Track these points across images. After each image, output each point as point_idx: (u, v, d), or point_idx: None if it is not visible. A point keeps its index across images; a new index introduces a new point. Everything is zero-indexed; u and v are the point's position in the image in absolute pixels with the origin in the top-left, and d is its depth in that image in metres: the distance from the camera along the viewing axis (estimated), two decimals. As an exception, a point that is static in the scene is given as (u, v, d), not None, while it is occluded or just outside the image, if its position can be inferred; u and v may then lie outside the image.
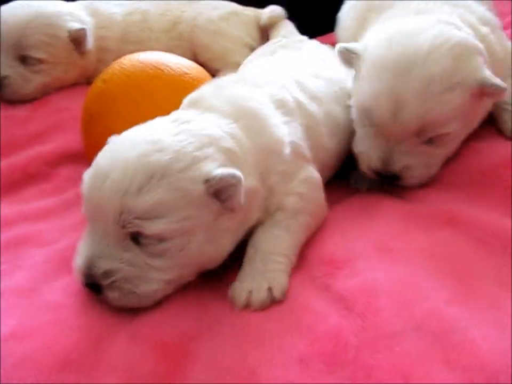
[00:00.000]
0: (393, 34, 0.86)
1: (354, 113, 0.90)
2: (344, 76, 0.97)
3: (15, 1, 1.20)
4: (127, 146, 0.68)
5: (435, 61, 0.81)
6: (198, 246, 0.67)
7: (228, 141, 0.71)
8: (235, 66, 1.16)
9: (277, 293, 0.68)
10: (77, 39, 1.18)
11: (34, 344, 0.62)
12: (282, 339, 0.63)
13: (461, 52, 0.83)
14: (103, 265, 0.65)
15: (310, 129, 0.84)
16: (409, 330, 0.61)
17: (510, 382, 0.56)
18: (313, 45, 1.14)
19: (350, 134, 0.91)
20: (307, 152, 0.82)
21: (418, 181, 0.85)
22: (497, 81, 0.83)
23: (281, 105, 0.81)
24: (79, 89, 1.20)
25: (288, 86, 0.86)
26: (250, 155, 0.73)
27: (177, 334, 0.64)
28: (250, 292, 0.69)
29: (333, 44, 1.04)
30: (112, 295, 0.66)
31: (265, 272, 0.70)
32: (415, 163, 0.84)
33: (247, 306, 0.68)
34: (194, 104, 0.78)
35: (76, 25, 1.18)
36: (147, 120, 0.74)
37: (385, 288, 0.67)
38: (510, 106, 0.92)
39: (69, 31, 1.18)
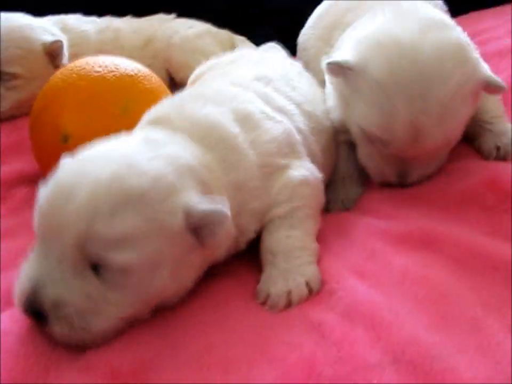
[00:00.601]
0: (390, 47, 0.80)
1: (356, 133, 0.86)
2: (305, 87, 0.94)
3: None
4: (98, 165, 0.62)
5: (449, 76, 0.77)
6: (162, 282, 0.61)
7: (204, 173, 0.67)
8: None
9: (314, 285, 0.68)
10: (52, 52, 1.14)
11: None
12: (251, 368, 0.58)
13: (464, 55, 0.81)
14: (52, 294, 0.58)
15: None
16: (386, 362, 0.57)
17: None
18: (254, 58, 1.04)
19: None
20: (286, 159, 0.78)
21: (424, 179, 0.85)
22: (498, 79, 0.81)
23: (247, 120, 0.76)
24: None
25: (253, 99, 0.81)
26: (224, 191, 0.68)
27: (133, 362, 0.58)
28: (289, 292, 0.67)
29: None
30: (60, 330, 0.58)
31: (294, 269, 0.69)
32: (430, 171, 0.84)
33: (288, 306, 0.66)
34: (159, 123, 0.73)
35: (50, 38, 1.14)
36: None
37: (361, 316, 0.63)
38: (491, 126, 0.89)
39: (44, 44, 1.13)
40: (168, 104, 0.78)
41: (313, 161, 0.82)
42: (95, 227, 0.57)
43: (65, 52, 1.16)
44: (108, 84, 0.89)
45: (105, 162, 0.62)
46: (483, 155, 0.89)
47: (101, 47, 1.22)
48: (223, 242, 0.67)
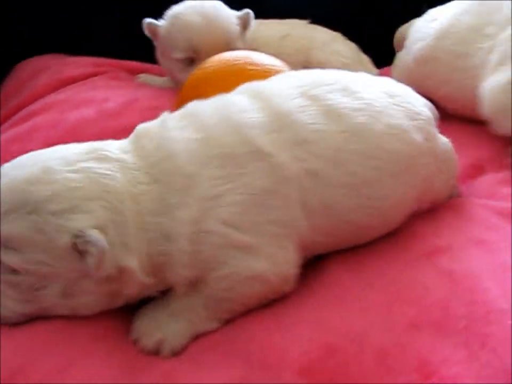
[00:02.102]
0: None
1: None
2: None
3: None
4: (26, 164, 0.62)
5: None
6: (53, 296, 0.60)
7: (126, 205, 0.60)
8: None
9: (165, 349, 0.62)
10: (244, 22, 1.30)
11: None
12: (390, 307, 0.62)
13: None
14: None
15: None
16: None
17: None
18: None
19: None
20: (246, 236, 0.62)
21: None
22: None
23: (223, 163, 0.64)
24: (167, 90, 1.26)
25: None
26: (144, 236, 0.61)
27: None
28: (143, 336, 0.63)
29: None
30: None
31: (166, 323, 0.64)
32: None
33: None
34: (135, 138, 0.68)
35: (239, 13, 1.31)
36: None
37: (489, 274, 0.67)
38: None
39: (238, 16, 1.29)
40: (158, 120, 0.71)
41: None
42: None
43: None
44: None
45: (33, 161, 0.62)
46: None
47: (248, 39, 1.33)
48: (128, 283, 0.61)
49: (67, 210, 0.58)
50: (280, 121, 0.66)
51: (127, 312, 0.66)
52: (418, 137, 0.72)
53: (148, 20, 1.28)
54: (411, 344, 0.58)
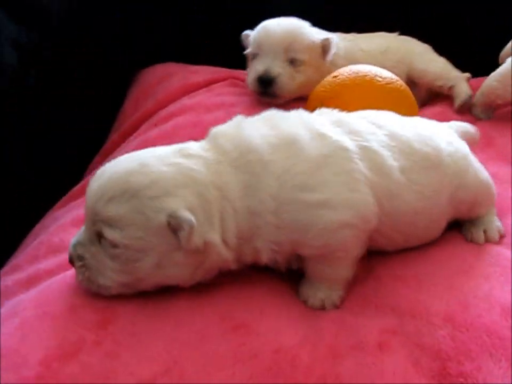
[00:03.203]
0: None
1: None
2: None
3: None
4: (124, 161, 0.75)
5: None
6: (147, 267, 0.72)
7: (210, 192, 0.73)
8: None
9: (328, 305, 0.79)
10: (325, 47, 1.44)
11: None
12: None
13: None
14: (78, 250, 0.75)
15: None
16: None
17: None
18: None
19: None
20: (318, 194, 0.75)
21: None
22: None
23: (289, 146, 0.77)
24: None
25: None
26: (230, 211, 0.74)
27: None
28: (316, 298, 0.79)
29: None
30: (78, 277, 0.75)
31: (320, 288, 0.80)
32: None
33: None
34: (213, 139, 0.80)
35: (322, 36, 1.46)
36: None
37: None
38: None
39: (321, 40, 1.45)
40: (233, 123, 0.83)
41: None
42: (97, 207, 0.71)
43: (333, 50, 1.45)
44: (385, 93, 1.15)
45: (131, 159, 0.75)
46: None
47: (349, 53, 1.52)
48: (211, 256, 0.73)
49: (162, 195, 0.70)
50: (364, 151, 0.80)
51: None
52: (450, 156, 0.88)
53: (245, 32, 1.50)
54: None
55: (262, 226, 0.75)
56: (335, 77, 1.20)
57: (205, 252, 0.72)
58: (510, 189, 1.07)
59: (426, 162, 0.84)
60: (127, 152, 0.80)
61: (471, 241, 0.91)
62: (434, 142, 0.87)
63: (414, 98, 1.23)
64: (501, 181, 1.08)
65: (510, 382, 0.65)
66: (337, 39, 1.49)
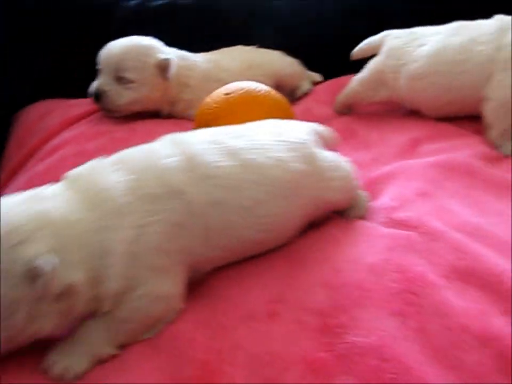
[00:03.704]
0: None
1: None
2: None
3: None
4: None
5: None
6: (18, 322, 0.67)
7: (67, 233, 0.71)
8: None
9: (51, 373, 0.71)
10: (161, 67, 1.52)
11: None
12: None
13: None
14: None
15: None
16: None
17: None
18: None
19: None
20: (165, 260, 0.77)
21: None
22: None
23: (149, 200, 0.77)
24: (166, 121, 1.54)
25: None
26: (84, 253, 0.71)
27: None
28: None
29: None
30: None
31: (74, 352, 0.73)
32: None
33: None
34: (70, 181, 0.79)
35: (162, 56, 1.53)
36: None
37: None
38: None
39: (156, 60, 1.53)
40: (89, 165, 0.83)
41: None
42: None
43: (172, 69, 1.53)
44: (269, 104, 1.25)
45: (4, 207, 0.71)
46: None
47: (208, 73, 1.63)
48: (76, 300, 0.70)
49: (18, 243, 0.66)
50: (192, 162, 0.82)
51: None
52: (298, 164, 0.90)
53: None
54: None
55: (108, 268, 0.73)
56: (227, 94, 1.28)
57: (69, 295, 0.70)
58: (372, 171, 1.21)
59: (279, 190, 0.87)
60: (18, 190, 0.79)
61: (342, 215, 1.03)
62: (291, 165, 0.89)
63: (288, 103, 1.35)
64: (362, 166, 1.22)
65: (378, 325, 0.76)
66: (195, 59, 1.62)
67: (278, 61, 1.79)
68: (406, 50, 1.45)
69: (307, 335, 0.77)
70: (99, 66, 1.54)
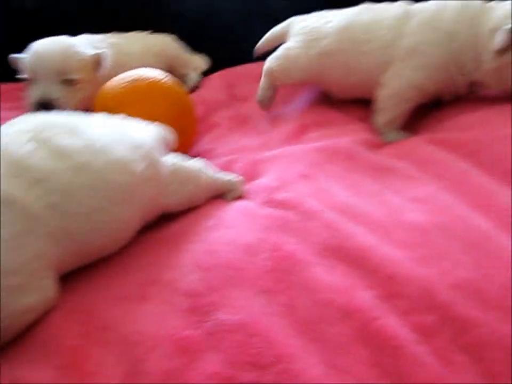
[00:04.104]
0: None
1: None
2: None
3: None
4: None
5: None
6: None
7: None
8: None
9: None
10: (95, 61, 1.50)
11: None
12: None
13: None
14: None
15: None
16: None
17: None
18: None
19: None
20: (16, 278, 0.70)
21: None
22: None
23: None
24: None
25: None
26: None
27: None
28: None
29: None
30: None
31: None
32: None
33: None
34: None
35: (93, 52, 1.50)
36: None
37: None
38: None
39: (91, 56, 1.49)
40: None
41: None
42: None
43: (107, 63, 1.50)
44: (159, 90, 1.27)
45: None
46: None
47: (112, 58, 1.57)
48: None
49: None
50: (18, 167, 0.74)
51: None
52: (138, 166, 0.86)
53: (13, 55, 1.52)
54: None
55: None
56: (133, 81, 1.26)
57: None
58: (258, 155, 1.23)
59: (118, 195, 0.83)
60: None
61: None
62: (131, 169, 0.86)
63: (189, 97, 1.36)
64: (250, 150, 1.23)
65: (247, 303, 0.77)
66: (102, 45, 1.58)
67: (172, 45, 1.80)
68: (316, 27, 1.44)
69: (177, 315, 0.76)
70: (31, 74, 1.45)
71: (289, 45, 1.48)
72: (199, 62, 1.90)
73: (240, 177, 1.09)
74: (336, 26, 1.40)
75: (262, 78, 1.53)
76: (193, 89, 1.78)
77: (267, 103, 1.51)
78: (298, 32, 1.47)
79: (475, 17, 1.22)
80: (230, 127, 1.48)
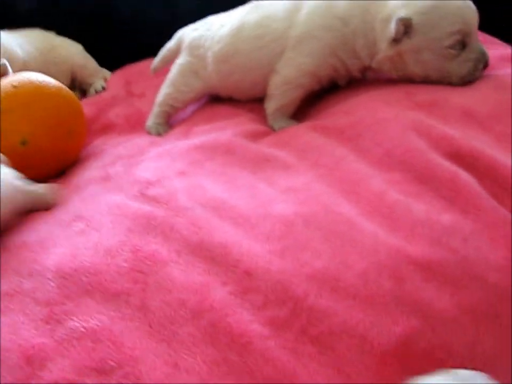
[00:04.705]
0: None
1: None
2: None
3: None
4: None
5: None
6: None
7: None
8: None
9: None
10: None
11: None
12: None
13: None
14: None
15: None
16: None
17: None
18: None
19: None
20: None
21: None
22: None
23: None
24: None
25: None
26: None
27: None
28: None
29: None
30: None
31: None
32: None
33: None
34: None
35: None
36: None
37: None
38: None
39: None
40: None
41: None
42: None
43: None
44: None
45: None
46: None
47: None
48: None
49: None
50: None
51: None
52: None
53: None
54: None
55: None
56: (15, 86, 1.23)
57: None
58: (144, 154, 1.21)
59: None
60: None
61: None
62: None
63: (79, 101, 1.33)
64: (140, 148, 1.24)
65: (99, 308, 0.75)
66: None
67: (76, 50, 1.74)
68: (208, 35, 1.42)
69: (31, 325, 0.75)
70: None
71: (183, 60, 1.46)
72: (107, 73, 1.84)
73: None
74: (228, 29, 1.38)
75: (156, 106, 1.47)
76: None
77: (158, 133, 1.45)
78: (191, 44, 1.45)
79: (368, 4, 1.22)
80: (123, 126, 1.45)
